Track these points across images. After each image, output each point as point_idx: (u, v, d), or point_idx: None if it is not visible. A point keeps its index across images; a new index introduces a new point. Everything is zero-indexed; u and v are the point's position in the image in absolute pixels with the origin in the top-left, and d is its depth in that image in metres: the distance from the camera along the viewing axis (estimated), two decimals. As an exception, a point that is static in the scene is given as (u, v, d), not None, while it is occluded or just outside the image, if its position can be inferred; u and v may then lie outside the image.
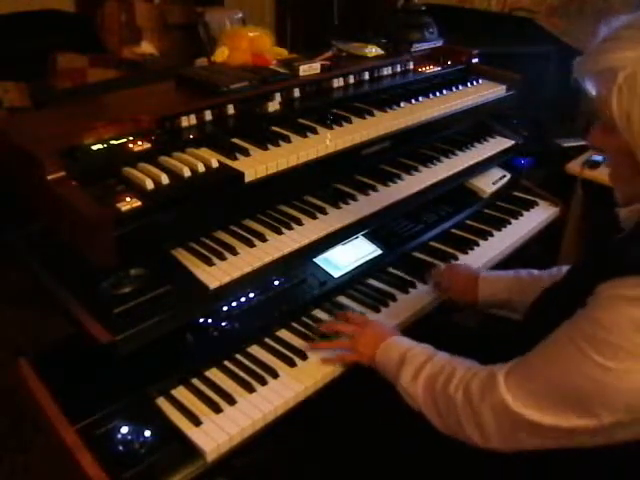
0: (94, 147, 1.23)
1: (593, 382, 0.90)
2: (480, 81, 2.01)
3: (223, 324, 1.32)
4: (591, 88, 0.98)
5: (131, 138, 1.28)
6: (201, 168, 1.26)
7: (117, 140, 1.26)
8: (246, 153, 1.36)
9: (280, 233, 1.38)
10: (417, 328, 1.47)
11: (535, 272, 1.46)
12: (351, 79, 1.79)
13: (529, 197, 2.07)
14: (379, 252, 1.58)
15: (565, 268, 1.30)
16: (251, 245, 1.32)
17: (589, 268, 1.01)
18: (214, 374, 1.26)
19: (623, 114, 0.92)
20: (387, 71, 1.90)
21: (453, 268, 1.58)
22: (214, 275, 1.22)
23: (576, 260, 1.18)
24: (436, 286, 1.56)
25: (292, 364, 1.29)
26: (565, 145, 2.59)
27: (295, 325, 1.40)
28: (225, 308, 1.34)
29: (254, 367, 1.27)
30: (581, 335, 0.92)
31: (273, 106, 1.55)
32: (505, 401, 0.98)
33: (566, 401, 0.93)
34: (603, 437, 0.94)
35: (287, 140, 1.44)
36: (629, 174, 0.98)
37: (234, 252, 1.29)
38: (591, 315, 0.92)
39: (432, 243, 1.78)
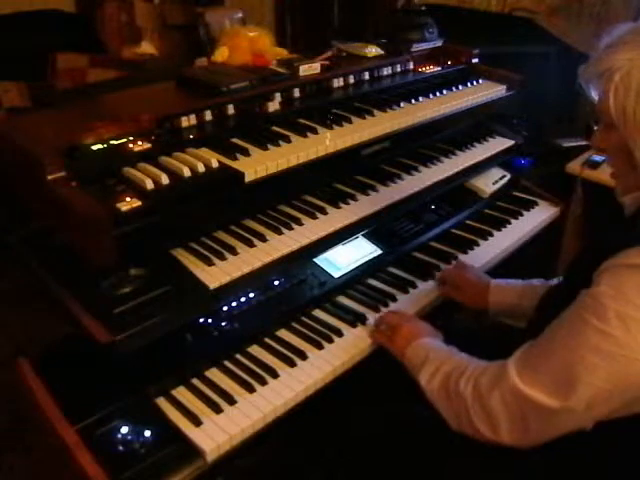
0: (94, 147, 1.23)
1: (600, 354, 0.92)
2: (480, 81, 2.01)
3: (223, 324, 1.32)
4: (594, 91, 1.06)
5: (131, 138, 1.28)
6: (201, 168, 1.26)
7: (117, 140, 1.26)
8: (246, 153, 1.36)
9: (280, 233, 1.38)
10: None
11: (544, 281, 1.47)
12: (351, 79, 1.79)
13: (529, 197, 2.07)
14: (379, 252, 1.58)
15: None
16: (251, 245, 1.32)
17: (591, 255, 1.04)
18: (214, 374, 1.26)
19: (619, 110, 0.99)
20: (387, 71, 1.90)
21: (463, 271, 1.58)
22: (214, 275, 1.23)
23: (575, 256, 1.20)
24: (442, 283, 1.57)
25: (292, 364, 1.28)
26: (565, 145, 2.59)
27: (295, 325, 1.40)
28: (225, 308, 1.34)
29: (254, 367, 1.27)
30: (586, 308, 0.95)
31: (273, 106, 1.55)
32: (515, 385, 1.00)
33: (572, 377, 0.94)
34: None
35: (287, 140, 1.44)
36: (628, 169, 1.05)
37: (234, 252, 1.29)
38: (595, 289, 0.95)
39: (432, 243, 1.77)
